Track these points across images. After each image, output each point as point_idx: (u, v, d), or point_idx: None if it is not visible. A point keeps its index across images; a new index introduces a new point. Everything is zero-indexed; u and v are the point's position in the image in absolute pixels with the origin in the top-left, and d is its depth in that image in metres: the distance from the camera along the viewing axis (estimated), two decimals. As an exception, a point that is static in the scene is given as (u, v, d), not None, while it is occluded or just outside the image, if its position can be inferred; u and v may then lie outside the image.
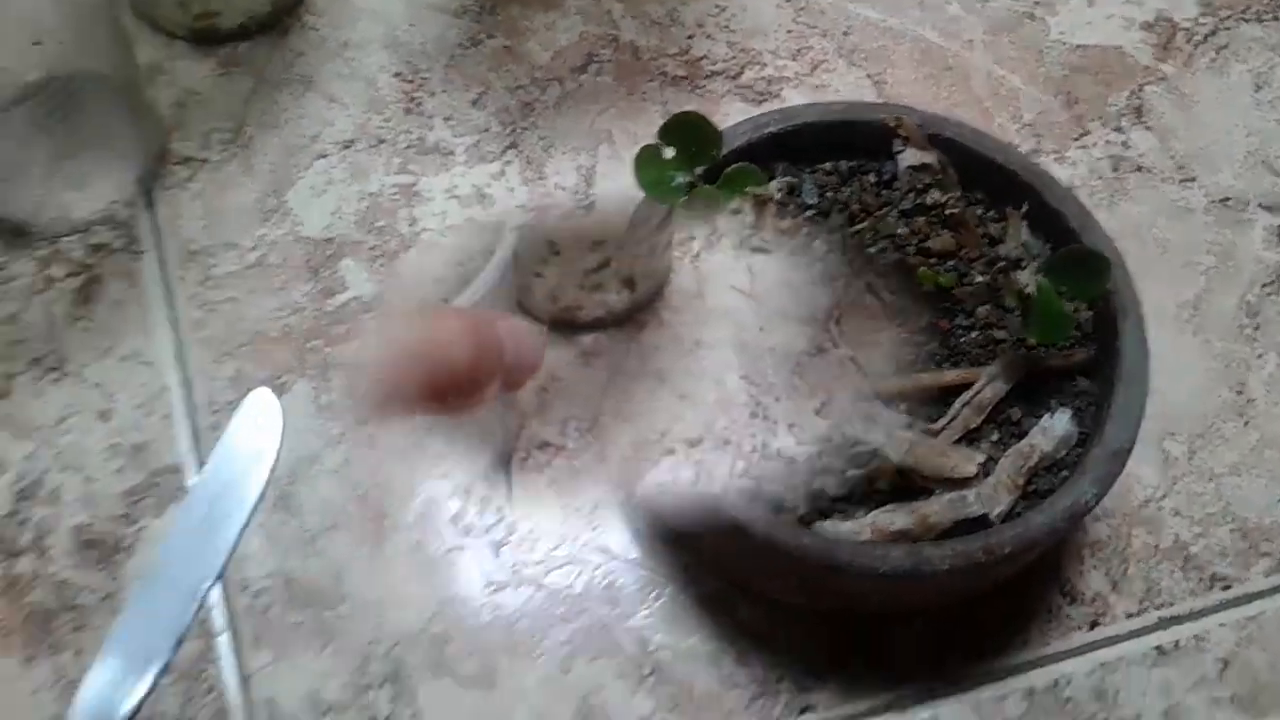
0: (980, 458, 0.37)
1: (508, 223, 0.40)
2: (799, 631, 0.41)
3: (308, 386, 0.45)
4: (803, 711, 0.40)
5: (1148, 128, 0.54)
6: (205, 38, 0.55)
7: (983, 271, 0.40)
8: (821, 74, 0.55)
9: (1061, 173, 0.51)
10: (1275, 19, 0.58)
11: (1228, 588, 0.43)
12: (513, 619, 0.41)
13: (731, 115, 0.51)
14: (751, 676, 0.40)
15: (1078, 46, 0.56)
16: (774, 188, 0.41)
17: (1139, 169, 0.53)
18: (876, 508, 0.37)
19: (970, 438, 0.38)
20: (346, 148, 0.51)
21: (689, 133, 0.39)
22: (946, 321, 0.40)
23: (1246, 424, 0.46)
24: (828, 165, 0.43)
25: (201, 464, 0.43)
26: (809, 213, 0.42)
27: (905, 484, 0.37)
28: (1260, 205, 0.52)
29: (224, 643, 0.40)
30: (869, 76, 0.55)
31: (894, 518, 0.36)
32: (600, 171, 0.51)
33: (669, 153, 0.39)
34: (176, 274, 0.47)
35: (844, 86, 0.54)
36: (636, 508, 0.43)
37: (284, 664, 0.40)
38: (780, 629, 0.41)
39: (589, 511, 0.43)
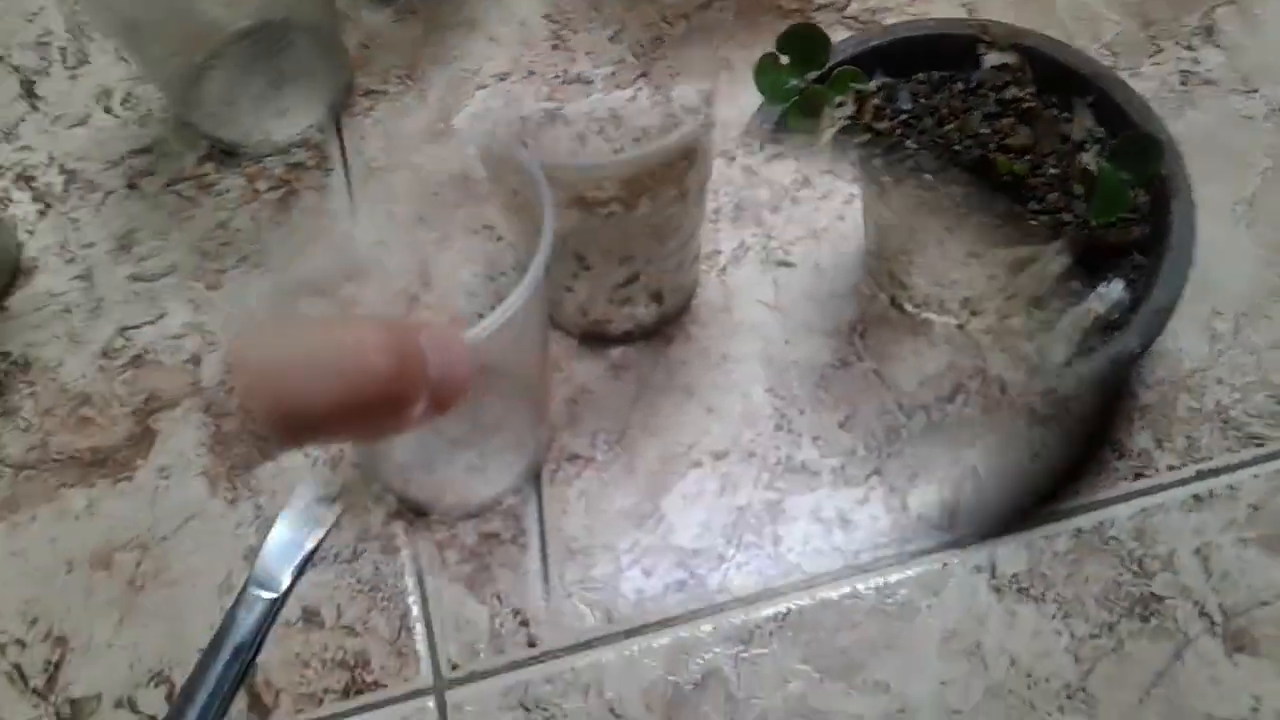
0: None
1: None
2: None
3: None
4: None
5: (1217, 45, 0.58)
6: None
7: (1054, 165, 0.46)
8: (920, 4, 0.60)
9: (1134, 87, 0.56)
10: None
11: (1261, 444, 0.48)
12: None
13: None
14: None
15: (1156, -29, 0.60)
16: (874, 86, 0.46)
17: (1206, 82, 0.57)
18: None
19: (1037, 303, 0.44)
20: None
21: (802, 41, 0.45)
22: (1020, 206, 0.45)
23: (1289, 305, 0.50)
24: (921, 75, 0.47)
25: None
26: (903, 116, 0.48)
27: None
28: (1317, 115, 0.56)
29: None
30: (963, 5, 0.60)
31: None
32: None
33: (784, 60, 0.46)
34: (359, 189, 0.55)
35: (939, 15, 0.59)
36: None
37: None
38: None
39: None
